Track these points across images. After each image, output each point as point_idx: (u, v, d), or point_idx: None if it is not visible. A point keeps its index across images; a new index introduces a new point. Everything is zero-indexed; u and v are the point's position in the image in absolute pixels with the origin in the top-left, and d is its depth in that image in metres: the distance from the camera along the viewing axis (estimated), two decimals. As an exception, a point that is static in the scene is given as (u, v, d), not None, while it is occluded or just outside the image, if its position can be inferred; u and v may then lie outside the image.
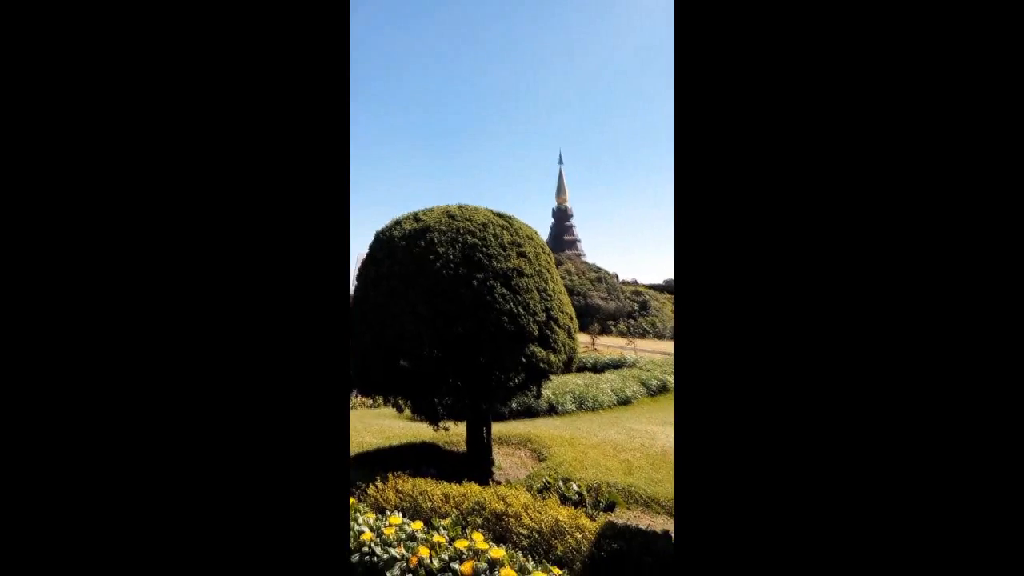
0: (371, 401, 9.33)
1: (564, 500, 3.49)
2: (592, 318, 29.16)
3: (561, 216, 62.20)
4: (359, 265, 5.05)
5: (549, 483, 3.71)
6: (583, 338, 20.84)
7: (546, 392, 8.34)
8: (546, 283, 4.65)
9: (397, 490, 3.70)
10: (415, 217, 4.77)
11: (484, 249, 4.40)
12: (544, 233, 61.06)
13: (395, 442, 6.25)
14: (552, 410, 8.19)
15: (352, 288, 5.20)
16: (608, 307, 34.35)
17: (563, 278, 33.79)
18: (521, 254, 4.58)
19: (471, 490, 3.52)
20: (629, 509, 4.12)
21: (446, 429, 4.98)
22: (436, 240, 4.42)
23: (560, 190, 63.35)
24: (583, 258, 51.69)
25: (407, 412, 5.15)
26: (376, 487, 3.77)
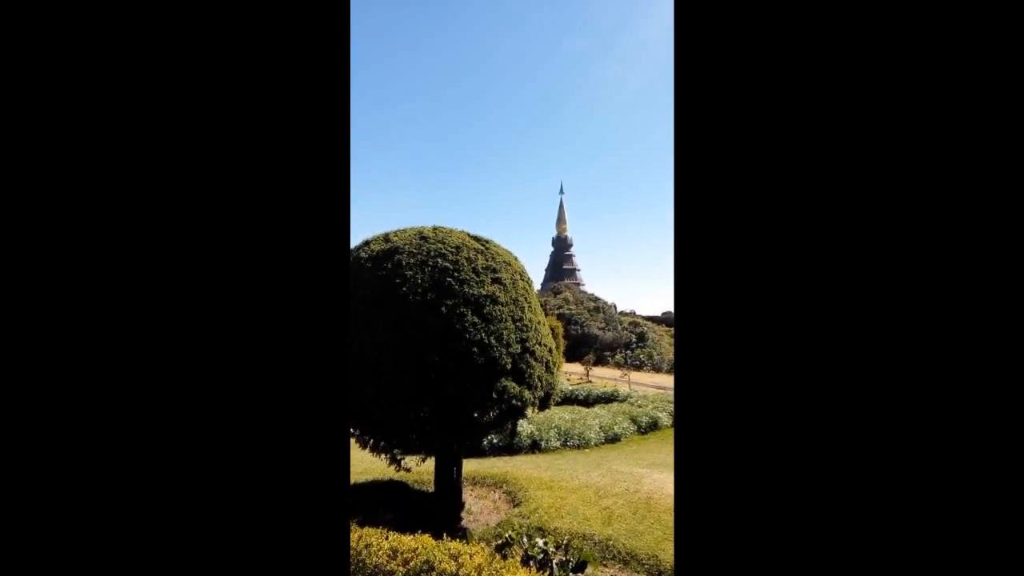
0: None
1: (527, 559, 3.09)
2: (589, 347, 28.75)
3: (561, 245, 62.24)
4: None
5: (512, 538, 3.31)
6: (576, 368, 20.40)
7: (529, 427, 7.92)
8: (523, 312, 4.32)
9: (343, 540, 3.29)
10: (385, 238, 4.48)
11: (456, 274, 4.08)
12: (543, 262, 61.11)
13: (362, 478, 5.83)
14: (535, 446, 7.76)
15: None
16: (605, 337, 33.95)
17: (560, 307, 33.48)
18: (496, 280, 4.27)
19: (423, 544, 3.11)
20: (604, 566, 3.70)
21: (407, 470, 4.58)
22: (404, 263, 4.11)
23: (560, 219, 63.54)
24: (582, 287, 51.48)
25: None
26: (321, 535, 3.37)
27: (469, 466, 5.99)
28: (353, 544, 3.20)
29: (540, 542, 3.11)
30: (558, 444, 7.92)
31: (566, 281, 54.03)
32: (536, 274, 60.81)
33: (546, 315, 4.89)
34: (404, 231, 4.56)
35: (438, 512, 4.56)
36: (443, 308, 3.94)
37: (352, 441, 4.86)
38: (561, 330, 18.08)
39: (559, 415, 9.02)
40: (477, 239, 4.61)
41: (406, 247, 4.22)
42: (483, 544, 3.27)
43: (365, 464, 6.48)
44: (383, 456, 4.41)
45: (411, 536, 3.29)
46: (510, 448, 7.59)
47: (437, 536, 3.36)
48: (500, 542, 3.31)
